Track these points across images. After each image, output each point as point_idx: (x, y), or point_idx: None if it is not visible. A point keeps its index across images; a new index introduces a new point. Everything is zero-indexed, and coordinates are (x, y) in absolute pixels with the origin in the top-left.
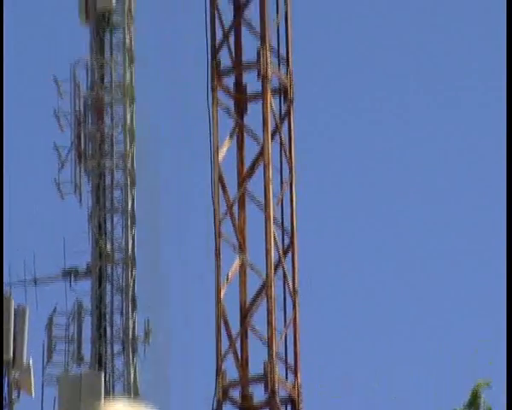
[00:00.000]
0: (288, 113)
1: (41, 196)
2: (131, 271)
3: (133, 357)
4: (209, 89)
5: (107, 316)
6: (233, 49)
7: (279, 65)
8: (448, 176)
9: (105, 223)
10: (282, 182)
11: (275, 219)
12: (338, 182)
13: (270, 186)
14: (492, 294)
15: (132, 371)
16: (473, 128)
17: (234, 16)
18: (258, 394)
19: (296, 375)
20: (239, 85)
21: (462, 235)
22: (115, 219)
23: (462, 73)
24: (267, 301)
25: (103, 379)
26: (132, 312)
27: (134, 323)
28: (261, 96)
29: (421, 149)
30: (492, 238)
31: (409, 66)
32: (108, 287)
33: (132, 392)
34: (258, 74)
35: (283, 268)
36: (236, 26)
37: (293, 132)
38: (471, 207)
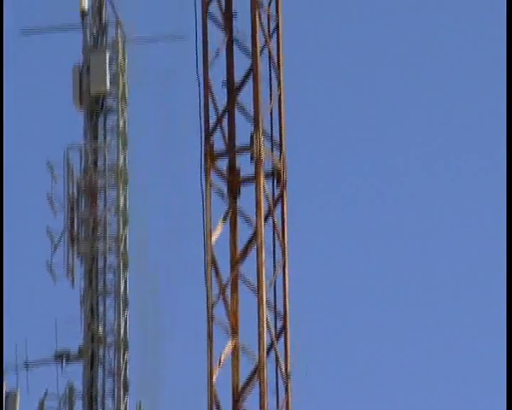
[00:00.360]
0: (281, 196)
1: (33, 279)
2: (123, 354)
3: None
4: (202, 171)
5: (99, 399)
6: (226, 133)
7: (272, 149)
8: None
9: (97, 306)
10: (274, 264)
11: (267, 302)
12: (331, 265)
13: (263, 269)
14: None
15: None
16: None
17: (227, 100)
18: None
19: None
20: (232, 168)
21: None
22: (108, 302)
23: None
24: (259, 384)
25: None
26: (124, 395)
27: (126, 406)
28: (254, 179)
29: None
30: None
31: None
32: (100, 370)
33: None
34: (252, 158)
35: (276, 352)
36: (230, 109)
37: (286, 215)
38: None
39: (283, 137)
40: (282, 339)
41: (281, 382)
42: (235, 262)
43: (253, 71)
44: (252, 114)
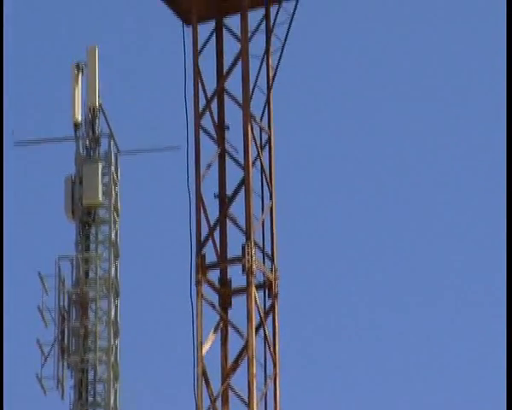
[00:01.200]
0: (273, 307)
1: (23, 392)
2: None
3: None
4: (193, 283)
5: None
6: (218, 244)
7: (264, 260)
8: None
9: None
10: (265, 377)
11: None
12: (325, 373)
13: (254, 381)
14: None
15: None
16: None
17: (219, 211)
18: None
19: None
20: (224, 280)
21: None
22: None
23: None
24: None
25: None
26: None
27: None
28: (246, 290)
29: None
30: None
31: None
32: None
33: None
34: (243, 269)
35: None
36: (222, 221)
37: (277, 327)
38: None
39: (275, 248)
40: None
41: None
42: (225, 374)
43: (245, 183)
44: (244, 225)
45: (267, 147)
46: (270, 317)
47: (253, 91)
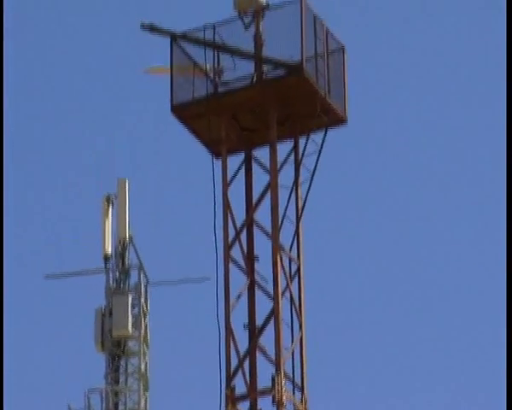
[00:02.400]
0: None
1: None
2: None
3: None
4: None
5: None
6: (248, 375)
7: (294, 391)
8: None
9: None
10: None
11: None
12: None
13: None
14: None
15: None
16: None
17: (249, 342)
18: None
19: None
20: None
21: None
22: None
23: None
24: None
25: None
26: None
27: None
28: None
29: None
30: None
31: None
32: None
33: None
34: (273, 400)
35: None
36: (251, 351)
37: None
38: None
39: (305, 378)
40: None
41: None
42: None
43: (274, 313)
44: (273, 355)
45: (296, 277)
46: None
47: (282, 222)
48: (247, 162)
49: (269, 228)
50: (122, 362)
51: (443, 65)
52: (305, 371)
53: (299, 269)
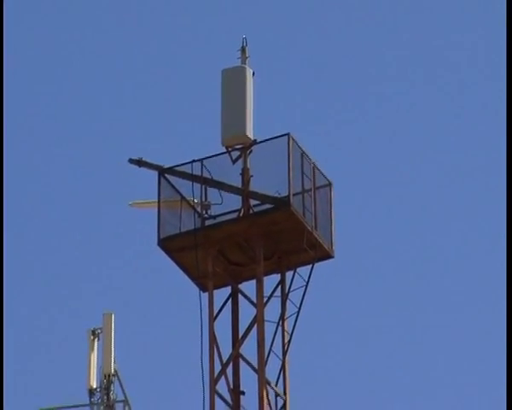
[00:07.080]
0: None
1: None
2: None
3: None
4: None
5: None
6: None
7: None
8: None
9: None
10: None
11: None
12: None
13: None
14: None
15: None
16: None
17: None
18: None
19: None
20: None
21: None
22: None
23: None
24: None
25: None
26: None
27: None
28: None
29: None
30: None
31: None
32: None
33: None
34: None
35: None
36: None
37: None
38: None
39: None
40: None
41: None
42: None
43: None
44: None
45: None
46: None
47: (268, 356)
48: (234, 296)
49: (255, 362)
50: None
51: (435, 183)
52: None
53: (285, 404)
